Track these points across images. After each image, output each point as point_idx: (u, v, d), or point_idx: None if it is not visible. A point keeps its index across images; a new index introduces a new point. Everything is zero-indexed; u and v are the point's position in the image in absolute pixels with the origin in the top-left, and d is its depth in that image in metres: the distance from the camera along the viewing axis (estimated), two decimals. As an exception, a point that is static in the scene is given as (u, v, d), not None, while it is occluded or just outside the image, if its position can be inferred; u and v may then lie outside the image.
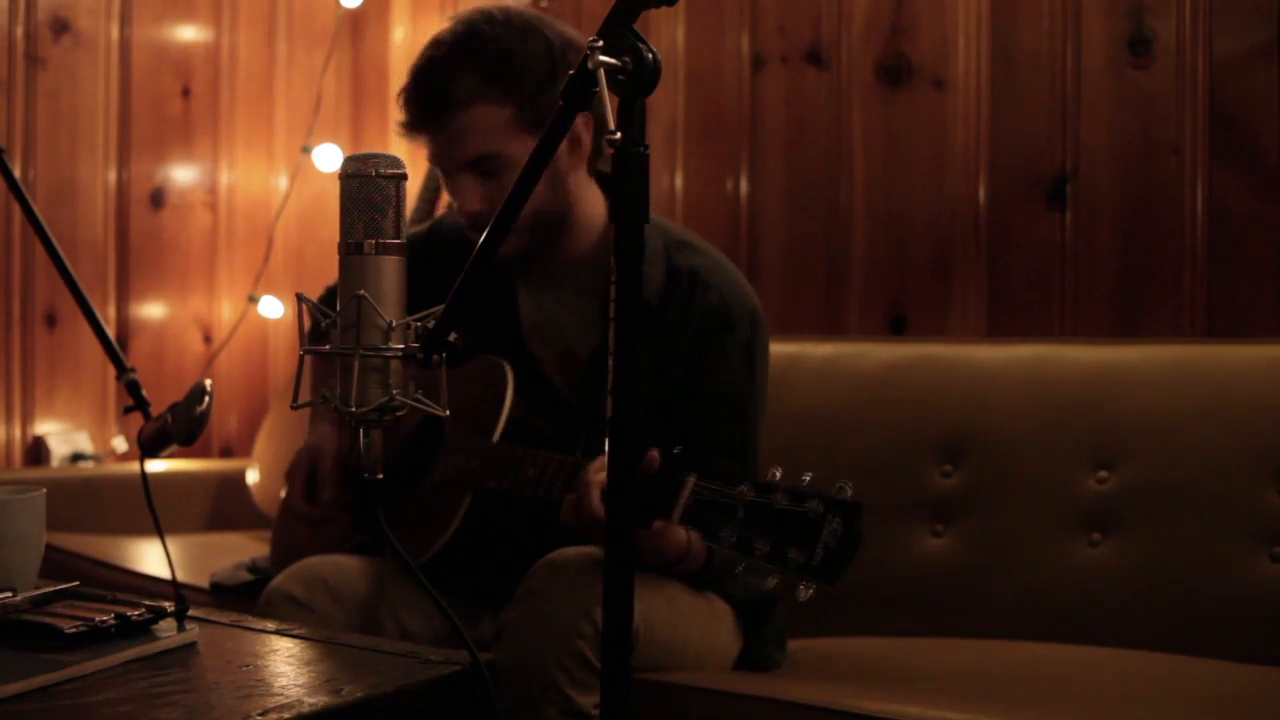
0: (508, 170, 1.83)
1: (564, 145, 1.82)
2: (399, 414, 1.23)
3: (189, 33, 3.44)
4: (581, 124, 1.86)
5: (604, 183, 1.94)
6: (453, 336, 1.22)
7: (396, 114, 1.92)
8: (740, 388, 1.86)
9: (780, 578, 1.38)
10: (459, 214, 1.90)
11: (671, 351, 1.83)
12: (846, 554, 1.37)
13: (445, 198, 3.17)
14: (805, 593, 1.37)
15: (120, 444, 3.27)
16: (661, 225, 1.92)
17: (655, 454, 1.55)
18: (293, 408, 1.30)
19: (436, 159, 1.89)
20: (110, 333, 1.73)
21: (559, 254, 1.92)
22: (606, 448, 1.12)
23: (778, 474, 1.44)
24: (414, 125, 1.88)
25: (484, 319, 1.92)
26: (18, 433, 3.13)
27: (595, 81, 1.09)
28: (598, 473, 1.58)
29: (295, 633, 1.45)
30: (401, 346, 1.22)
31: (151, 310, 3.39)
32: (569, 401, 1.89)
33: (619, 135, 1.09)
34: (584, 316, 1.91)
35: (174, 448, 1.59)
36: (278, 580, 1.86)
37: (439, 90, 1.83)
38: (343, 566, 1.88)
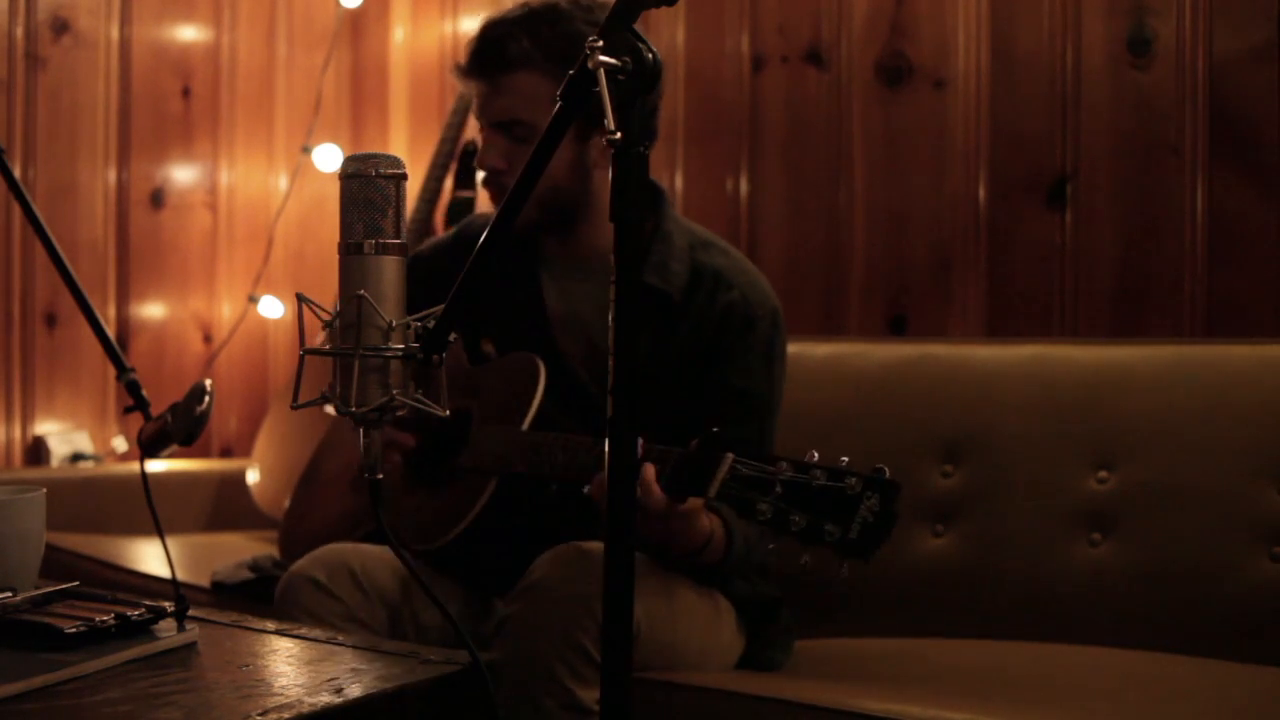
0: (532, 141, 1.84)
1: (599, 139, 1.86)
2: (399, 414, 1.23)
3: (189, 33, 3.44)
4: None
5: None
6: (452, 337, 1.23)
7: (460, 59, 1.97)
8: (758, 386, 1.88)
9: (813, 555, 1.40)
10: (478, 164, 1.95)
11: (693, 347, 1.86)
12: (882, 531, 1.39)
13: (445, 199, 3.18)
14: (839, 569, 1.38)
15: (120, 444, 3.27)
16: (687, 226, 1.96)
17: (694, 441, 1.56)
18: (293, 408, 1.30)
19: (479, 110, 1.94)
20: (110, 333, 1.73)
21: (580, 244, 1.94)
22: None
23: (815, 455, 1.45)
24: (466, 72, 1.93)
25: (512, 312, 1.93)
26: (18, 433, 3.13)
27: (595, 81, 1.09)
28: None
29: (295, 633, 1.45)
30: (401, 347, 1.22)
31: (151, 310, 3.39)
32: (595, 400, 1.89)
33: (619, 135, 1.09)
34: (606, 310, 1.91)
35: (174, 448, 1.59)
36: (301, 564, 1.85)
37: (496, 45, 1.88)
38: (367, 554, 1.88)
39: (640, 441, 1.15)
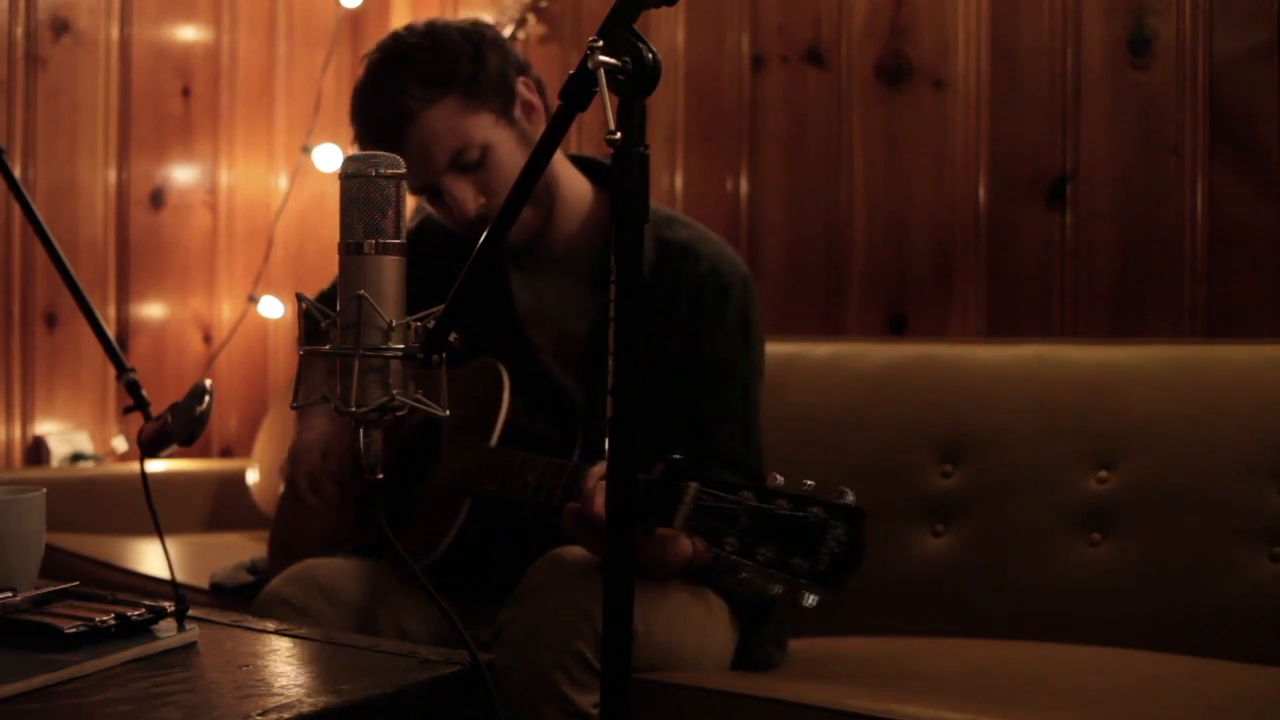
0: (486, 156, 1.85)
1: (519, 112, 1.88)
2: (399, 414, 1.23)
3: (189, 33, 3.44)
4: (524, 86, 1.90)
5: (579, 163, 1.97)
6: (453, 336, 1.22)
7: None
8: (738, 355, 1.87)
9: (784, 584, 1.38)
10: (461, 221, 1.89)
11: (666, 323, 1.84)
12: (851, 561, 1.37)
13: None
14: (809, 599, 1.37)
15: (120, 444, 3.27)
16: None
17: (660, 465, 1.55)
18: (292, 408, 1.30)
19: (417, 179, 1.87)
20: (110, 333, 1.73)
21: (547, 235, 1.93)
22: (607, 450, 1.12)
23: (780, 479, 1.43)
24: (377, 148, 1.85)
25: (481, 310, 1.92)
26: (18, 433, 3.13)
27: (595, 81, 1.09)
28: (597, 480, 1.58)
29: (295, 633, 1.45)
30: (401, 346, 1.21)
31: (151, 310, 3.39)
32: (569, 394, 1.89)
33: (619, 135, 1.09)
34: (577, 299, 1.92)
35: (174, 448, 1.59)
36: (274, 584, 1.86)
37: (389, 112, 1.86)
38: (339, 570, 1.88)
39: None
